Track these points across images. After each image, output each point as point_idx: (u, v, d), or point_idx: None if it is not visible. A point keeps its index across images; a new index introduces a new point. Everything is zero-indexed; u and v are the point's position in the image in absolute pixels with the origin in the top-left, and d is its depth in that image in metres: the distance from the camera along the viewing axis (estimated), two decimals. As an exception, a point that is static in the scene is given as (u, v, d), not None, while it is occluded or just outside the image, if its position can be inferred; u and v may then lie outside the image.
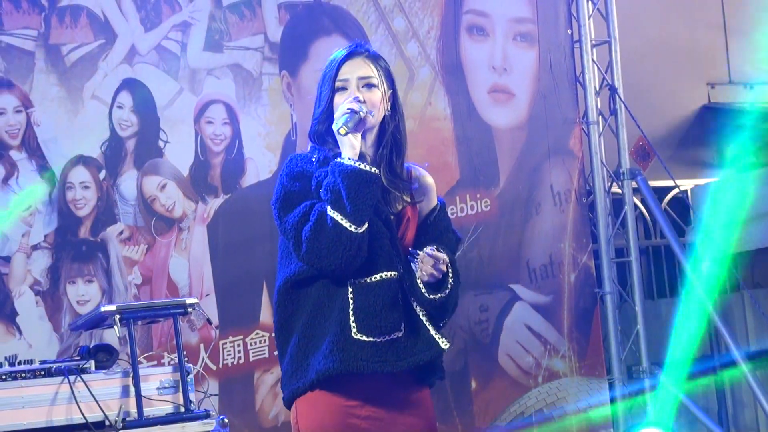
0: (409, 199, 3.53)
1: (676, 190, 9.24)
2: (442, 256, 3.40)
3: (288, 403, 3.46)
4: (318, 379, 3.32)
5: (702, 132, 9.95)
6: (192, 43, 7.03)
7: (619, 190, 8.49)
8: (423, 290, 3.41)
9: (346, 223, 3.28)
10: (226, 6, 7.13)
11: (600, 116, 8.40)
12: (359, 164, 3.33)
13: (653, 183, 8.67)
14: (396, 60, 7.60)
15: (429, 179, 3.65)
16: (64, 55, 6.68)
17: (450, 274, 3.45)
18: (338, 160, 3.35)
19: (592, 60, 8.39)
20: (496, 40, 8.00)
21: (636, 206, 8.87)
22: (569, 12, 8.30)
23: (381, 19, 7.58)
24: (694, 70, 9.89)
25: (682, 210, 9.50)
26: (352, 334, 3.32)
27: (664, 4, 9.78)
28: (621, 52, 8.47)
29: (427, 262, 3.37)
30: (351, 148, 3.36)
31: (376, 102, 3.46)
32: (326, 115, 3.48)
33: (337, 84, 3.47)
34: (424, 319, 3.44)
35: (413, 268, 3.40)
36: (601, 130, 8.40)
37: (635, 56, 9.05)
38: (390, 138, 3.51)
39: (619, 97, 8.41)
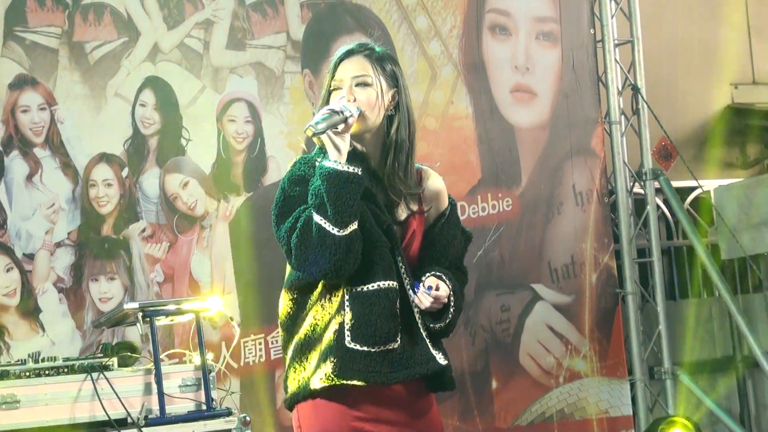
0: (415, 208, 3.42)
1: (698, 191, 9.22)
2: (443, 294, 3.31)
3: (290, 406, 3.40)
4: (315, 387, 3.27)
5: (725, 132, 9.92)
6: (215, 41, 7.04)
7: (642, 190, 8.46)
8: (422, 318, 3.36)
9: (328, 227, 3.19)
10: (249, 4, 7.14)
11: (622, 116, 8.38)
12: (339, 165, 3.22)
13: (675, 183, 8.64)
14: (418, 59, 7.60)
15: (438, 183, 3.50)
16: (87, 52, 6.69)
17: (452, 305, 3.36)
18: (320, 162, 3.26)
19: (615, 59, 8.37)
20: (518, 39, 7.98)
21: (658, 206, 8.84)
22: (592, 11, 8.28)
23: (403, 18, 7.58)
24: (718, 70, 9.85)
25: (704, 210, 9.47)
26: (346, 342, 3.26)
27: (688, 4, 9.75)
28: (644, 51, 8.45)
29: (428, 300, 3.29)
30: (334, 149, 3.24)
31: (370, 101, 3.33)
32: None
33: (333, 84, 3.38)
34: (424, 334, 3.36)
35: (413, 297, 3.33)
36: (623, 129, 8.37)
37: (658, 56, 9.02)
38: (392, 139, 3.38)
39: (642, 97, 8.38)
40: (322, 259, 3.20)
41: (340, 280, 3.27)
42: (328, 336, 3.28)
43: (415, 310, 3.36)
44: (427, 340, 3.38)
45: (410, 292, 3.34)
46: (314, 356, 3.30)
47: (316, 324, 3.31)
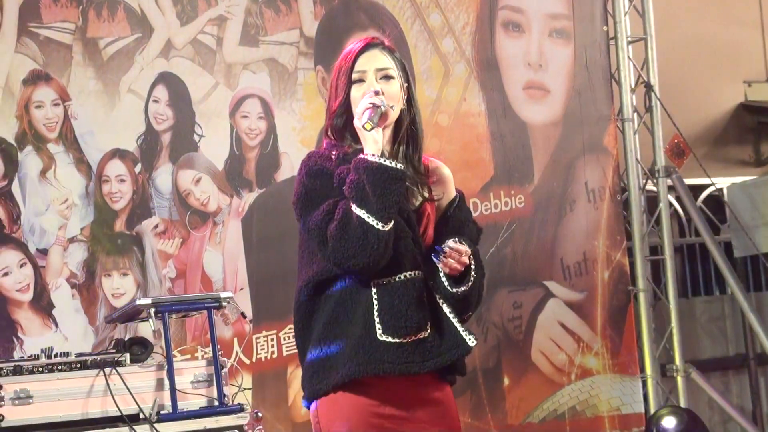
0: (427, 195, 3.45)
1: (711, 188, 9.21)
2: (464, 248, 3.31)
3: (309, 402, 3.39)
4: (342, 381, 3.25)
5: (738, 130, 9.92)
6: (228, 37, 7.04)
7: (654, 188, 8.45)
8: (446, 284, 3.34)
9: (372, 221, 3.20)
10: (262, 1, 7.14)
11: (635, 113, 8.37)
12: (384, 161, 3.25)
13: (688, 181, 8.63)
14: (431, 56, 7.60)
15: (446, 171, 3.53)
16: (101, 48, 6.70)
17: (472, 266, 3.37)
18: (362, 156, 3.27)
19: (628, 57, 8.35)
20: (531, 36, 7.98)
21: (671, 204, 8.83)
22: (605, 8, 8.26)
23: (417, 15, 7.58)
24: (731, 68, 9.84)
25: (717, 208, 9.47)
26: (378, 335, 3.26)
27: (701, 2, 9.75)
28: (657, 49, 8.43)
29: (452, 256, 3.29)
30: (374, 143, 3.27)
31: (395, 94, 3.37)
32: (344, 108, 3.40)
33: (354, 76, 3.39)
34: (450, 316, 3.36)
35: (436, 263, 3.33)
36: (636, 127, 8.36)
37: (671, 53, 9.01)
38: (407, 132, 3.42)
39: (655, 95, 8.37)
40: (362, 253, 3.21)
41: (370, 274, 3.27)
42: (357, 331, 3.27)
43: (437, 297, 3.36)
44: (456, 322, 3.36)
45: (433, 257, 3.34)
46: (340, 352, 3.28)
47: (340, 320, 3.29)
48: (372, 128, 3.26)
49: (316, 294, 3.34)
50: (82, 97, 6.62)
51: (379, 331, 3.27)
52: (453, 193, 3.51)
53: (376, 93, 3.33)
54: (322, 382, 3.30)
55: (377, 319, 3.27)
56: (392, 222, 3.24)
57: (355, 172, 3.26)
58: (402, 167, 3.28)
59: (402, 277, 3.32)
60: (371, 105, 3.29)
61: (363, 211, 3.21)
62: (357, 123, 3.31)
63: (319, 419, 3.36)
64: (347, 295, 3.30)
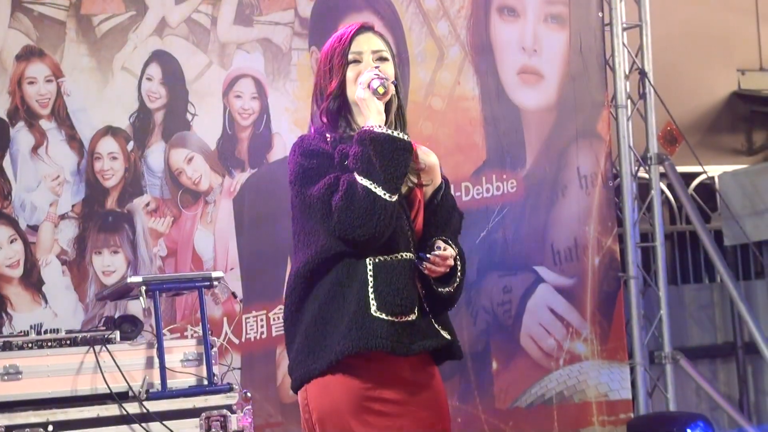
0: (416, 180, 3.45)
1: (703, 176, 9.22)
2: (449, 253, 3.33)
3: (298, 385, 3.38)
4: (337, 359, 3.24)
5: (731, 118, 9.92)
6: (222, 16, 7.02)
7: (646, 175, 8.45)
8: (432, 284, 3.36)
9: (380, 191, 3.21)
10: (257, -20, 7.13)
11: (629, 100, 8.37)
12: (392, 131, 3.27)
13: (680, 168, 8.64)
14: (426, 39, 7.59)
15: (433, 158, 3.52)
16: (95, 25, 6.68)
17: (458, 267, 3.39)
18: (367, 128, 3.27)
19: (623, 43, 8.35)
20: (526, 20, 7.97)
21: (662, 191, 8.84)
22: (601, -6, 8.27)
23: (412, -3, 7.56)
24: (725, 56, 9.84)
25: (708, 196, 9.48)
26: (372, 311, 3.25)
27: (696, -11, 9.73)
28: (652, 36, 8.43)
29: (436, 263, 3.31)
30: (378, 114, 3.29)
31: (390, 75, 3.39)
32: (339, 90, 3.40)
33: (351, 57, 3.40)
34: (426, 309, 3.38)
35: (421, 269, 3.34)
36: (629, 114, 8.36)
37: (666, 41, 9.01)
38: (396, 116, 3.43)
39: (649, 81, 8.37)
40: (369, 222, 3.20)
41: (372, 247, 3.27)
42: (351, 308, 3.26)
43: (418, 285, 3.37)
44: (430, 315, 3.39)
45: (417, 262, 3.35)
46: (335, 331, 3.27)
47: (336, 298, 3.29)
48: (384, 92, 3.28)
49: (313, 276, 3.32)
50: (75, 74, 6.60)
51: (373, 308, 3.26)
52: (439, 179, 3.50)
53: (378, 70, 3.35)
54: (317, 362, 3.29)
55: (372, 296, 3.27)
56: (398, 193, 3.26)
57: (359, 145, 3.26)
58: (409, 139, 3.29)
59: (398, 256, 3.32)
60: (375, 75, 3.31)
61: (369, 182, 3.22)
62: (361, 94, 3.32)
63: (308, 402, 3.35)
64: (343, 275, 3.29)
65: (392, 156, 3.24)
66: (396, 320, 3.28)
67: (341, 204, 3.21)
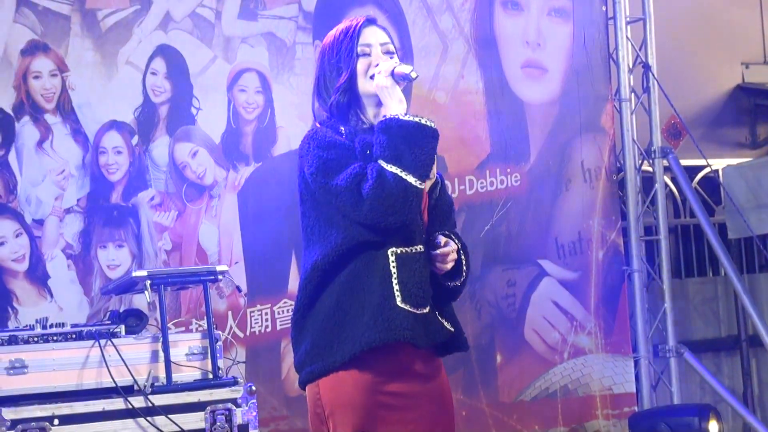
0: None
1: (707, 170, 9.21)
2: (451, 248, 3.36)
3: (312, 379, 3.35)
4: (361, 349, 3.23)
5: (735, 112, 9.91)
6: (227, 10, 7.03)
7: (650, 168, 8.45)
8: (439, 278, 3.39)
9: (410, 178, 3.21)
10: (261, -26, 7.13)
11: (633, 94, 8.36)
12: (419, 118, 3.28)
13: (684, 162, 8.63)
14: (430, 32, 7.59)
15: None
16: (99, 20, 6.69)
17: (464, 261, 3.42)
18: (392, 116, 3.27)
19: (627, 37, 8.35)
20: (530, 14, 7.97)
21: (666, 185, 8.84)
22: (604, -12, 8.26)
23: (416, -9, 7.57)
24: (729, 50, 9.83)
25: (712, 189, 9.48)
26: (398, 302, 3.25)
27: (701, -18, 9.72)
28: (655, 29, 8.42)
29: (438, 260, 3.34)
30: (399, 103, 3.31)
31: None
32: (349, 83, 3.39)
33: (360, 49, 3.40)
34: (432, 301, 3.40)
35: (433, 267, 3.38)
36: (633, 107, 8.36)
37: (670, 34, 8.99)
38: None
39: (653, 75, 8.37)
40: (402, 209, 3.22)
41: (400, 236, 3.27)
42: (374, 299, 3.26)
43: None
44: (435, 308, 3.41)
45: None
46: (353, 323, 3.26)
47: (354, 290, 3.28)
48: (416, 77, 3.29)
49: (330, 269, 3.30)
50: (80, 68, 6.61)
51: (398, 299, 3.27)
52: (434, 173, 3.48)
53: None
54: (336, 354, 3.27)
55: (397, 288, 3.27)
56: (426, 180, 3.27)
57: (384, 133, 3.26)
58: (436, 126, 3.30)
59: (417, 248, 3.34)
60: (400, 63, 3.34)
61: (399, 169, 3.22)
62: (382, 81, 3.31)
63: (321, 396, 3.34)
64: (362, 267, 3.29)
65: (422, 144, 3.25)
66: (417, 312, 3.30)
67: (372, 192, 3.20)
